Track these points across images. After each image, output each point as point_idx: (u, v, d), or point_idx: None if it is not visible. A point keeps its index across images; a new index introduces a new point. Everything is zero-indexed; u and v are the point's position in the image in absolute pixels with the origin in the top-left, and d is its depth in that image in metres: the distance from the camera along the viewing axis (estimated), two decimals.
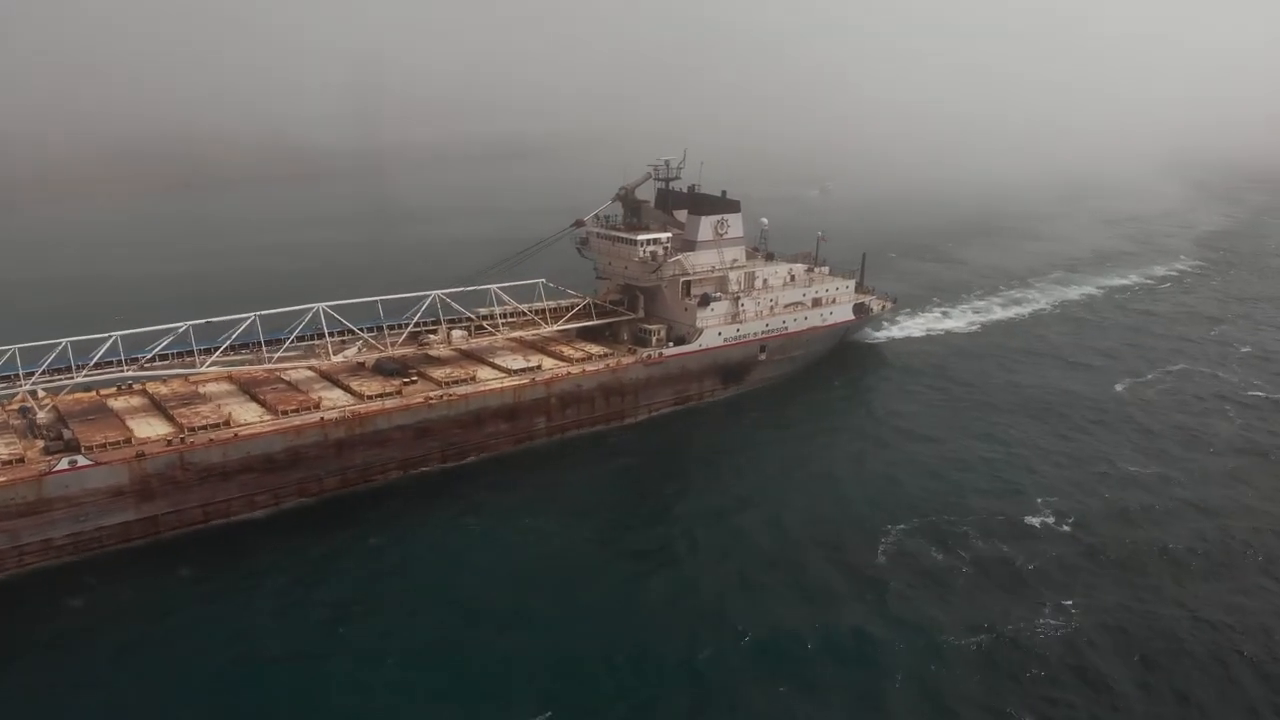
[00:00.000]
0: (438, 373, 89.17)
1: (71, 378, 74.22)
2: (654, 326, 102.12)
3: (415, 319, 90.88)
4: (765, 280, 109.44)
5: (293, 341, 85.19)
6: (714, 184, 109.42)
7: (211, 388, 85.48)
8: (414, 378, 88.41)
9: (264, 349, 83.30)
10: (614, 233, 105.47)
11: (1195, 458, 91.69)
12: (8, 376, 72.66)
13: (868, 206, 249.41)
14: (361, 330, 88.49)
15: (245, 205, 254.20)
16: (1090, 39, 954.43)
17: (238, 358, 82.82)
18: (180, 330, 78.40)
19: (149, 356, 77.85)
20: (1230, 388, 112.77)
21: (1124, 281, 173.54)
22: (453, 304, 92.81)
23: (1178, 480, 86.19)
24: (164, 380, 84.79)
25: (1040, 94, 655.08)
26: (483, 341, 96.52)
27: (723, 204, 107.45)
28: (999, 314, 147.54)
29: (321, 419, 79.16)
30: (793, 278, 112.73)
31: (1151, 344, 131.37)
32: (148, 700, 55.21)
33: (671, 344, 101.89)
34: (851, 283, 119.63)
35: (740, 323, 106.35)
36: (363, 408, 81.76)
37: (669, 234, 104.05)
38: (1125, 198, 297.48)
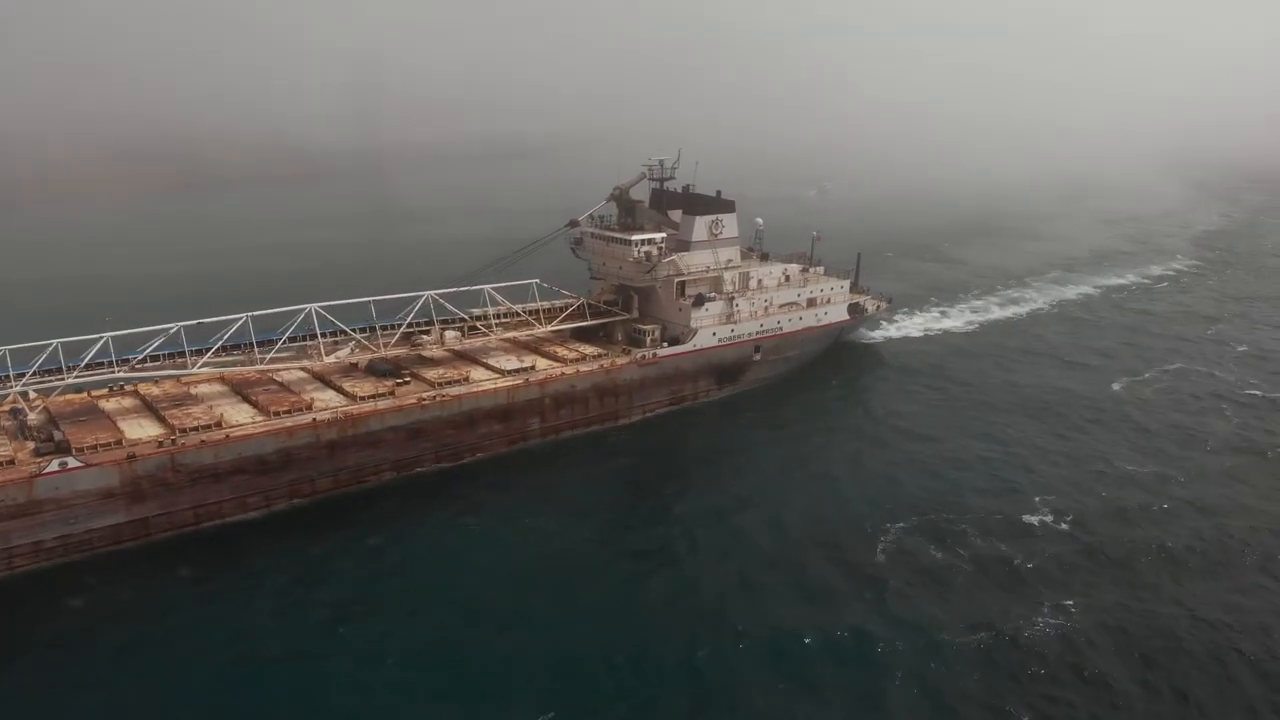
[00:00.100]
0: (431, 373, 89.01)
1: (63, 379, 74.07)
2: (648, 327, 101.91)
3: (408, 320, 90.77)
4: (760, 280, 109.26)
5: (285, 342, 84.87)
6: (713, 184, 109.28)
7: (203, 389, 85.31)
8: (407, 379, 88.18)
9: (256, 350, 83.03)
10: (608, 233, 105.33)
11: (1192, 457, 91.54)
12: None
13: (867, 206, 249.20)
14: (354, 331, 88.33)
15: (245, 205, 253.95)
16: (1090, 39, 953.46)
17: (230, 359, 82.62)
18: (172, 331, 78.14)
19: (140, 357, 77.68)
20: (1227, 387, 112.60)
21: (1121, 281, 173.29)
22: (446, 304, 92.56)
23: (1175, 479, 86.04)
24: (156, 381, 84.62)
25: (1040, 94, 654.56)
26: (476, 342, 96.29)
27: (717, 204, 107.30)
28: (997, 313, 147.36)
29: (314, 420, 79.00)
30: (787, 278, 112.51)
31: (1148, 343, 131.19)
32: (148, 700, 55.14)
33: (666, 344, 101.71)
34: (846, 283, 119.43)
35: (735, 323, 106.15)
36: (355, 409, 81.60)
37: (663, 234, 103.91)
38: (1125, 198, 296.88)
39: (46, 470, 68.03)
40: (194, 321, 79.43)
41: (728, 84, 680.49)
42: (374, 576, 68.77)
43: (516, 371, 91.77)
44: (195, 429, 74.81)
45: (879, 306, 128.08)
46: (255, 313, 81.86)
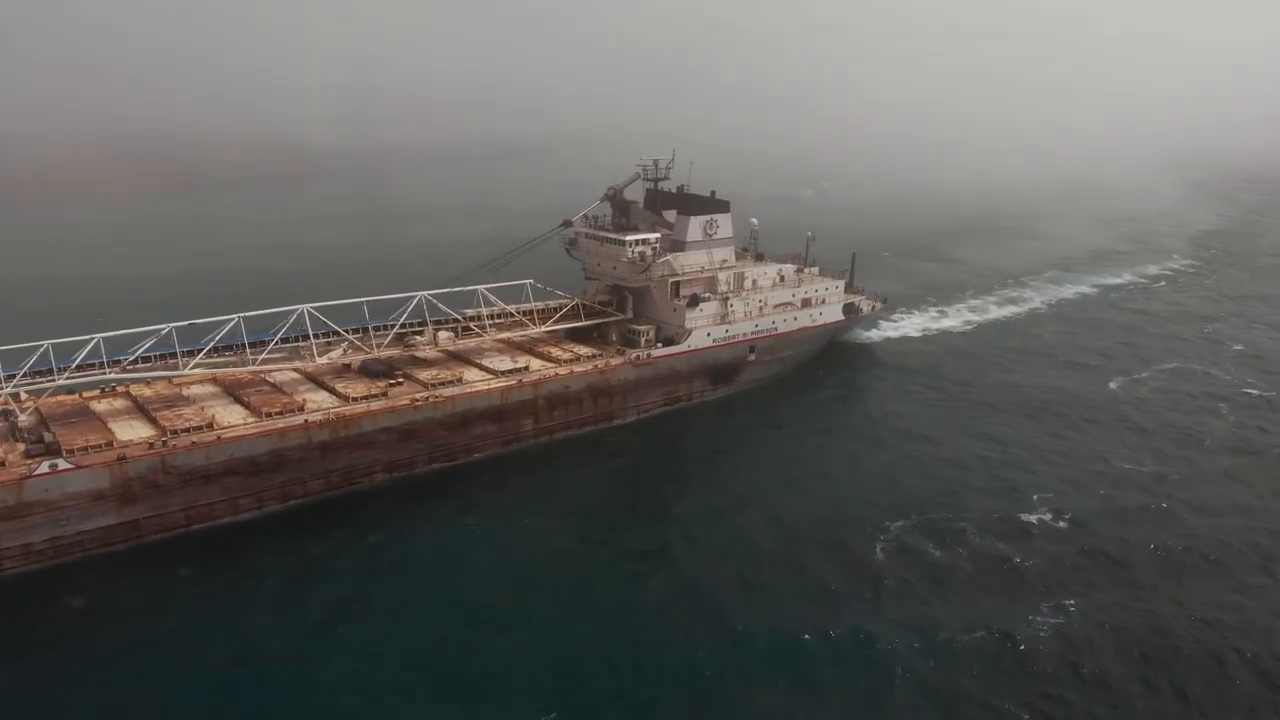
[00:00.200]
0: (424, 374, 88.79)
1: (53, 380, 73.74)
2: (643, 327, 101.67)
3: (401, 320, 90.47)
4: (754, 281, 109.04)
5: (277, 343, 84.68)
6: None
7: (195, 390, 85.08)
8: (400, 379, 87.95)
9: (248, 351, 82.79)
10: (602, 233, 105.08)
11: (1190, 456, 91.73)
12: None
13: (867, 206, 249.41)
14: (347, 331, 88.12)
15: (244, 205, 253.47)
16: (1090, 39, 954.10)
17: (221, 359, 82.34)
18: (163, 332, 78.00)
19: (131, 358, 77.37)
20: (1224, 386, 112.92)
21: (1118, 281, 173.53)
22: (439, 305, 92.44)
23: (1173, 478, 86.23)
24: (148, 382, 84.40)
25: (1040, 94, 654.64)
26: (470, 343, 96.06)
27: (712, 204, 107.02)
28: (995, 313, 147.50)
29: (305, 421, 78.74)
30: (782, 278, 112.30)
31: (1146, 343, 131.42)
32: (148, 700, 55.13)
33: (660, 345, 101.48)
34: (841, 283, 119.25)
35: (729, 323, 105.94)
36: (347, 410, 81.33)
37: (658, 234, 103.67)
38: (1124, 198, 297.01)
39: (37, 472, 67.80)
40: (186, 322, 79.20)
41: (728, 84, 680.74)
42: (372, 577, 68.71)
43: (510, 372, 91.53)
44: (186, 430, 74.48)
45: (874, 307, 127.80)
46: (247, 313, 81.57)
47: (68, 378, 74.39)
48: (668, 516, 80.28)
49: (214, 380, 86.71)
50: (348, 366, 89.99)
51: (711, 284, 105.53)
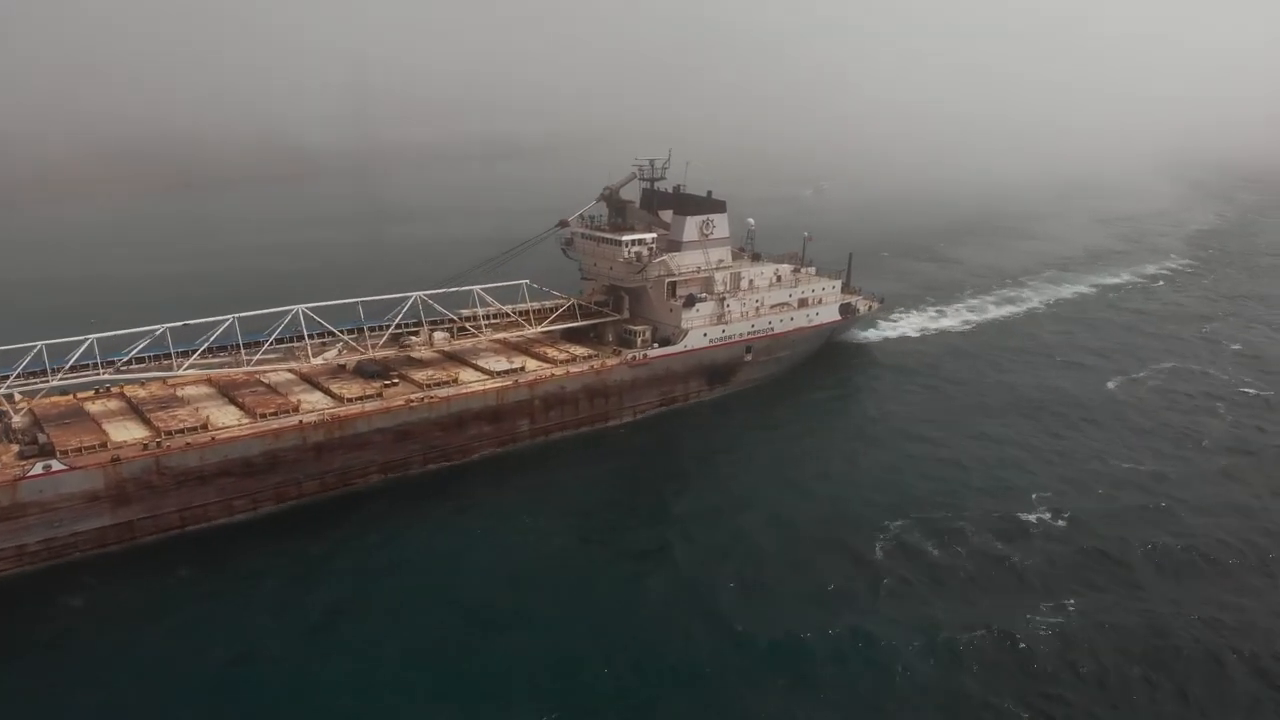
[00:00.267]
0: (419, 375, 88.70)
1: (47, 381, 73.67)
2: (639, 327, 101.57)
3: (396, 320, 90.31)
4: (751, 281, 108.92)
5: (272, 344, 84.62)
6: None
7: (190, 390, 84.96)
8: (395, 380, 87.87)
9: (242, 351, 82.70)
10: (598, 233, 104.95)
11: (1188, 455, 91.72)
12: None
13: (867, 206, 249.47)
14: (342, 332, 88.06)
15: (244, 205, 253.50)
16: (1090, 39, 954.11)
17: (216, 360, 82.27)
18: (157, 333, 77.79)
19: (125, 359, 77.26)
20: (1221, 385, 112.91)
21: (1116, 280, 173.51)
22: (435, 305, 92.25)
23: (1171, 478, 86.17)
24: (142, 383, 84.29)
25: (1040, 94, 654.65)
26: (465, 343, 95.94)
27: (708, 204, 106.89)
28: (993, 313, 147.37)
29: (300, 422, 78.62)
30: (779, 278, 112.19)
31: (1143, 342, 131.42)
32: (148, 700, 55.04)
33: (656, 345, 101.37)
34: (838, 283, 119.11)
35: (726, 324, 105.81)
36: (342, 410, 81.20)
37: (654, 234, 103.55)
38: (1124, 197, 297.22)
39: (30, 473, 67.67)
40: (180, 323, 79.04)
41: (728, 84, 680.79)
42: (370, 577, 68.59)
43: (506, 373, 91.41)
44: (180, 431, 74.40)
45: (870, 307, 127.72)
46: (242, 314, 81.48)
47: (61, 379, 74.31)
48: (666, 516, 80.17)
49: (208, 381, 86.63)
50: (343, 367, 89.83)
51: (708, 284, 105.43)
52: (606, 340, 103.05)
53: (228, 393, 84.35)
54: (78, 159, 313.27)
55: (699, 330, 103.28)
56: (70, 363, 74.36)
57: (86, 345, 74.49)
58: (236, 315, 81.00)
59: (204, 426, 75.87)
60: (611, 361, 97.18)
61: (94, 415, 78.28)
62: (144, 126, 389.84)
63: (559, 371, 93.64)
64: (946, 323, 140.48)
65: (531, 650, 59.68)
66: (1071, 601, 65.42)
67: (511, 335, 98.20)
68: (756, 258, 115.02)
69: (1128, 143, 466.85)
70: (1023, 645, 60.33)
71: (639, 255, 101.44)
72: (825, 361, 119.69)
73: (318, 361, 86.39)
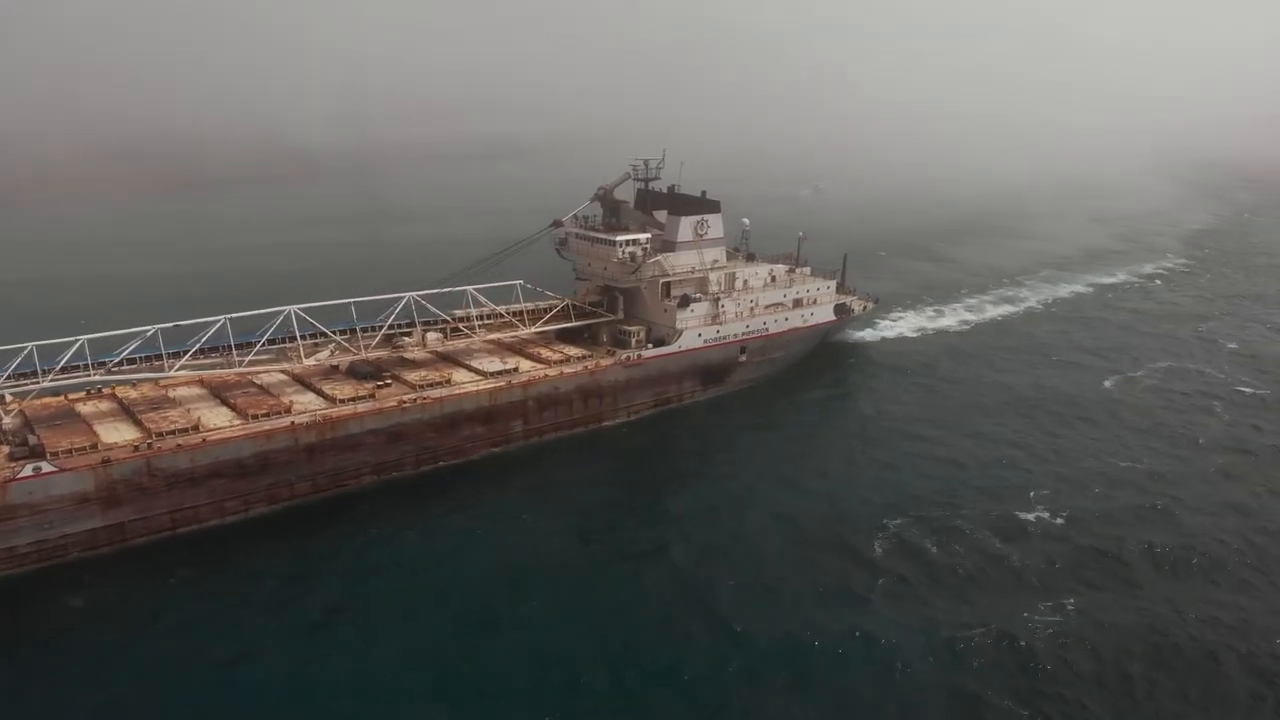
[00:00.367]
0: (412, 375, 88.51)
1: (38, 382, 73.48)
2: (633, 328, 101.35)
3: (389, 321, 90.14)
4: (746, 281, 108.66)
5: (264, 344, 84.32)
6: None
7: (182, 391, 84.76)
8: (388, 381, 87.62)
9: (234, 352, 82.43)
10: (593, 233, 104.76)
11: (1185, 454, 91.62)
12: None
13: (866, 206, 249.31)
14: (334, 333, 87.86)
15: (244, 205, 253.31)
16: (1090, 43, 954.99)
17: (207, 361, 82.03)
18: (149, 334, 77.52)
19: (117, 360, 77.01)
20: (1218, 384, 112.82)
21: (1113, 280, 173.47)
22: (428, 306, 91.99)
23: (1169, 477, 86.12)
24: (134, 384, 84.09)
25: (1040, 94, 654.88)
26: (459, 344, 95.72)
27: (702, 204, 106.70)
28: (990, 312, 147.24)
29: (292, 423, 78.40)
30: (773, 278, 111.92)
31: (1140, 341, 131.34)
32: (147, 700, 55.01)
33: (651, 345, 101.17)
34: (833, 283, 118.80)
35: (720, 324, 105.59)
36: (334, 411, 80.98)
37: (648, 235, 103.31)
38: (1124, 197, 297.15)
39: (20, 475, 67.45)
40: (171, 324, 78.80)
41: (728, 84, 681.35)
42: (368, 577, 68.43)
43: (499, 373, 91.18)
44: (171, 433, 74.18)
45: (865, 307, 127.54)
46: (234, 315, 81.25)
47: (52, 380, 73.99)
48: (664, 516, 79.97)
49: (200, 382, 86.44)
50: (335, 368, 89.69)
51: (702, 284, 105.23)
52: (601, 341, 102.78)
53: (220, 394, 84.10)
54: (77, 159, 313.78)
55: (693, 330, 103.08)
56: (61, 364, 73.99)
57: (78, 346, 74.08)
58: (228, 316, 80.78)
59: (195, 428, 75.64)
60: (606, 362, 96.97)
61: (85, 416, 78.10)
62: (144, 126, 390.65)
63: (553, 372, 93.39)
64: (944, 322, 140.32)
65: (530, 650, 59.53)
66: (1070, 600, 65.38)
67: (505, 336, 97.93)
68: (751, 258, 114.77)
69: (1127, 143, 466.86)
70: (1022, 644, 60.27)
71: (633, 255, 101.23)
72: (822, 361, 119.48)
73: (310, 362, 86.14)
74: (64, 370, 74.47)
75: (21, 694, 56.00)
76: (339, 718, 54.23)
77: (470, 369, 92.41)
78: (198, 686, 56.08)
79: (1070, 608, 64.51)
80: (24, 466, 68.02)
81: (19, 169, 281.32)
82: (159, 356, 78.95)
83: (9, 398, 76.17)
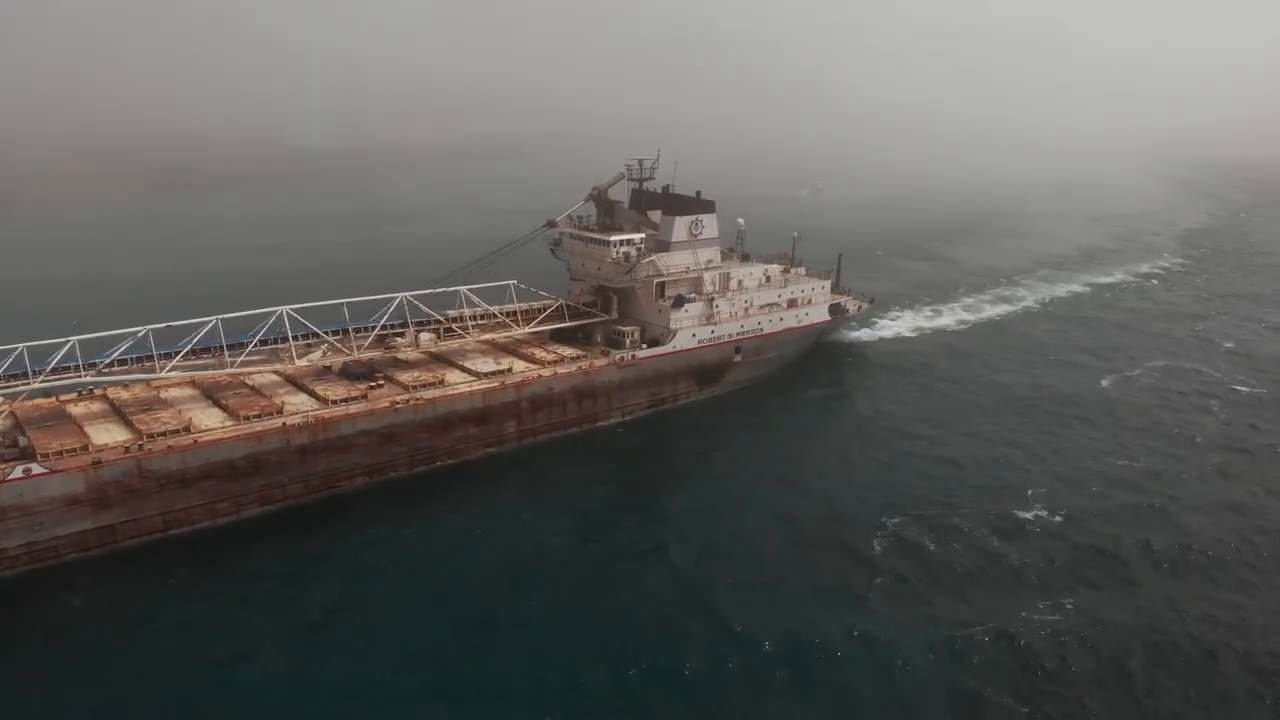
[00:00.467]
0: (405, 376, 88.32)
1: (28, 383, 73.25)
2: (628, 328, 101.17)
3: (382, 321, 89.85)
4: (740, 281, 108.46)
5: (256, 345, 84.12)
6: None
7: (174, 393, 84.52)
8: (381, 381, 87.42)
9: (226, 353, 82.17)
10: (587, 233, 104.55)
11: (1182, 453, 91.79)
12: None
13: (865, 206, 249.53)
14: (327, 333, 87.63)
15: (244, 205, 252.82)
16: (1091, 43, 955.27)
17: (199, 362, 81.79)
18: (140, 334, 77.28)
19: (108, 361, 76.76)
20: (1214, 383, 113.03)
21: (1110, 279, 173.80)
22: (421, 306, 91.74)
23: (1166, 476, 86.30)
24: (126, 385, 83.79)
25: (1040, 94, 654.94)
26: (452, 344, 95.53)
27: (697, 204, 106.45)
28: (988, 312, 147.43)
29: (284, 424, 78.18)
30: (768, 278, 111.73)
31: (1137, 341, 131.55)
32: (147, 700, 54.98)
33: (645, 346, 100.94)
34: (827, 283, 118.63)
35: (715, 324, 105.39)
36: (326, 413, 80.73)
37: (642, 235, 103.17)
38: (1124, 197, 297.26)
39: (10, 477, 67.21)
40: (163, 325, 78.60)
41: (728, 84, 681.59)
42: (365, 577, 68.38)
43: (493, 374, 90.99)
44: (162, 434, 73.94)
45: (860, 307, 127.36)
46: (226, 315, 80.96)
47: (43, 381, 73.84)
48: (662, 516, 79.80)
49: (193, 383, 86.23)
50: (328, 369, 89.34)
51: (697, 284, 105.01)
52: (595, 341, 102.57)
53: (211, 395, 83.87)
54: (77, 159, 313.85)
55: (688, 331, 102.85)
56: (52, 364, 73.90)
57: (69, 347, 73.96)
58: (220, 317, 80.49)
59: (186, 429, 75.41)
60: (600, 362, 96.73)
61: (76, 418, 77.90)
62: (144, 127, 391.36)
63: (546, 373, 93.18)
64: (941, 322, 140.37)
65: (530, 650, 59.55)
66: (1068, 599, 65.51)
67: (499, 336, 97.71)
68: (746, 258, 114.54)
69: (1127, 143, 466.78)
70: (1020, 642, 60.37)
71: (627, 255, 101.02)
72: (819, 361, 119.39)
73: (302, 363, 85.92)
74: (55, 371, 74.38)
75: (21, 694, 55.96)
76: (338, 718, 54.18)
77: (463, 369, 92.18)
78: (197, 686, 56.06)
79: (1069, 606, 64.54)
80: (14, 468, 67.76)
81: (19, 169, 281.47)
82: (150, 357, 78.68)
83: (0, 399, 75.93)
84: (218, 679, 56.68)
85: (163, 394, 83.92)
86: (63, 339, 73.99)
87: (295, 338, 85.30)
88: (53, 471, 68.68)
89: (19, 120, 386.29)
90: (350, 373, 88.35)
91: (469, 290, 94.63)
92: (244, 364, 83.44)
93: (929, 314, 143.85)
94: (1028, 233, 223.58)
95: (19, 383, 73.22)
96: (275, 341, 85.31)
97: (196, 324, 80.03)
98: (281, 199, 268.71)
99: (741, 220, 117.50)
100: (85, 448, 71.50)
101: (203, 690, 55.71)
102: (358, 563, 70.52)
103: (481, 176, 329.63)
